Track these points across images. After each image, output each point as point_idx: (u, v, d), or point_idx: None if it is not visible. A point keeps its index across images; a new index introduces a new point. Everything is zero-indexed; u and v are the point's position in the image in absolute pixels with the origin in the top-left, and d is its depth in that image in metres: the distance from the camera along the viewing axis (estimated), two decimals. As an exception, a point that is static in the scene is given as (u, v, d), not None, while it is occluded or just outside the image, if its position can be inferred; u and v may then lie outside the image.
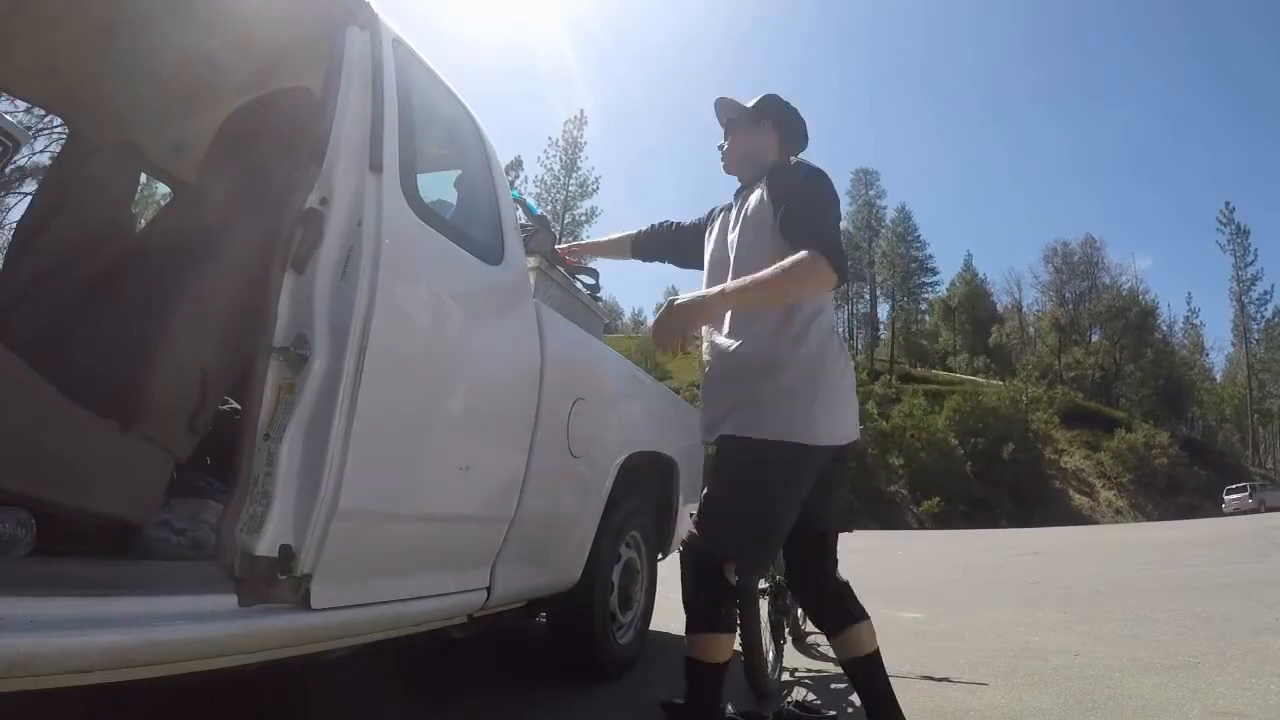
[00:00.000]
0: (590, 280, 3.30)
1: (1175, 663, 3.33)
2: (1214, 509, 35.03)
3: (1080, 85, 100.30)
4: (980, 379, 52.97)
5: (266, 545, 1.50)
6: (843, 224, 2.35)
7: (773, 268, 1.86)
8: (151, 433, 1.56)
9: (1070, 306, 60.04)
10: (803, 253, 1.84)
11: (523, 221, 2.82)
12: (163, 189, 3.02)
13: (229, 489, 1.58)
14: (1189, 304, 72.65)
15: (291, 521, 1.54)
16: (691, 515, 2.73)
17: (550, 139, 52.76)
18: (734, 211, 2.19)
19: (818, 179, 2.07)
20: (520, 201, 2.87)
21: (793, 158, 2.29)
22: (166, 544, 1.68)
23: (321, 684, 2.58)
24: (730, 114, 2.30)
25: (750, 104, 2.26)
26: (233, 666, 1.52)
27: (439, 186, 2.32)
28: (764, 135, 2.26)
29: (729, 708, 2.46)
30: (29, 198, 2.52)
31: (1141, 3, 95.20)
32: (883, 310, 65.51)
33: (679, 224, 2.58)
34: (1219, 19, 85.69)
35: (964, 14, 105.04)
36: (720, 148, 2.32)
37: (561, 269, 3.03)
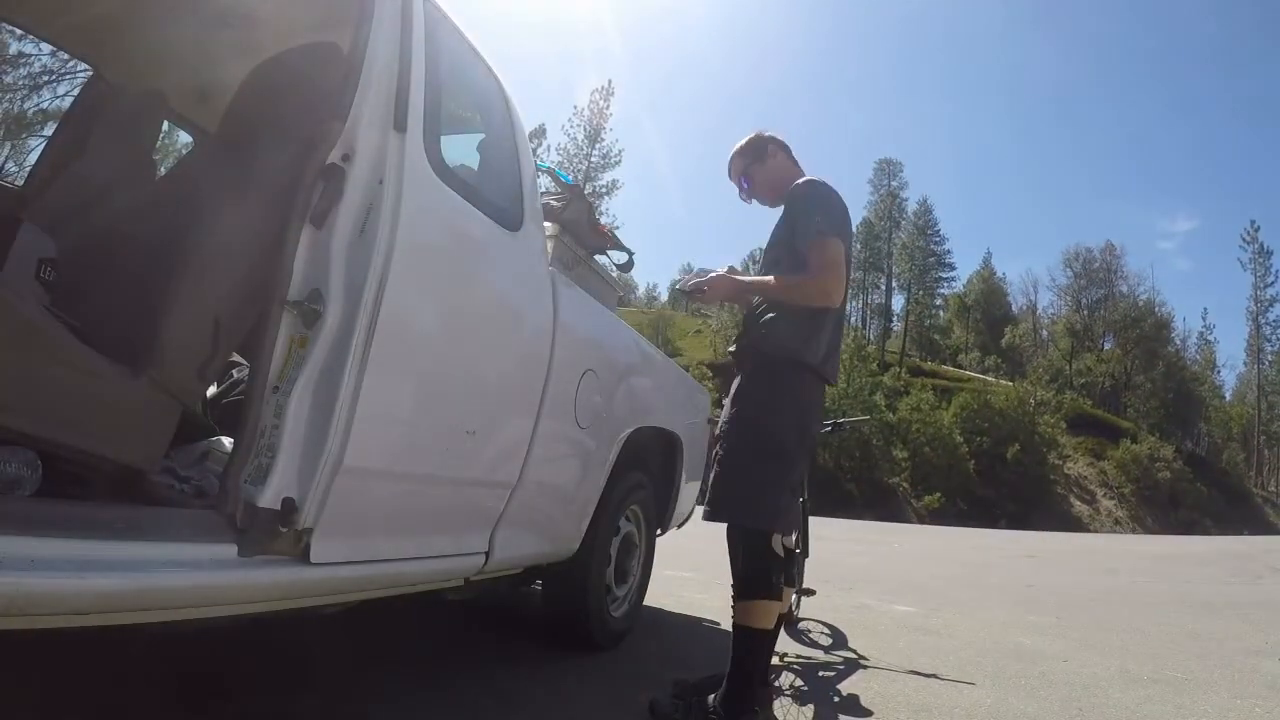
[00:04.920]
0: (623, 258, 3.29)
1: (1163, 677, 3.33)
2: (1213, 526, 34.83)
3: (1109, 81, 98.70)
4: (990, 378, 52.65)
5: (270, 497, 1.51)
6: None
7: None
8: (161, 379, 1.56)
9: (1085, 313, 59.52)
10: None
11: (553, 190, 2.79)
12: (185, 138, 3.01)
13: (236, 439, 1.58)
14: (1204, 319, 71.71)
15: (296, 475, 1.55)
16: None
17: (576, 108, 52.27)
18: None
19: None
20: (549, 171, 2.84)
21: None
22: (170, 490, 1.69)
23: (312, 641, 2.61)
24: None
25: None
26: (230, 616, 1.54)
27: (462, 149, 2.30)
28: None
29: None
30: (48, 140, 2.52)
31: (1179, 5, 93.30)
32: (898, 302, 65.39)
33: None
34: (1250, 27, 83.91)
35: (995, 6, 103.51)
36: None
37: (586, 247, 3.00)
